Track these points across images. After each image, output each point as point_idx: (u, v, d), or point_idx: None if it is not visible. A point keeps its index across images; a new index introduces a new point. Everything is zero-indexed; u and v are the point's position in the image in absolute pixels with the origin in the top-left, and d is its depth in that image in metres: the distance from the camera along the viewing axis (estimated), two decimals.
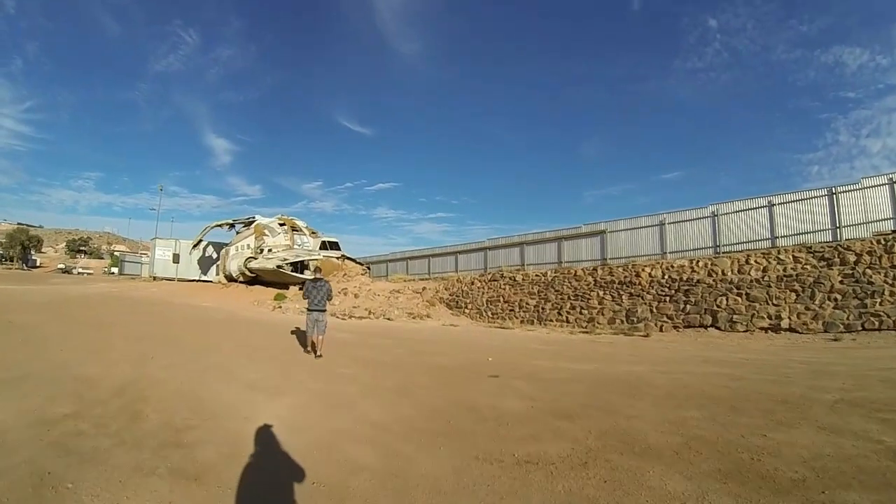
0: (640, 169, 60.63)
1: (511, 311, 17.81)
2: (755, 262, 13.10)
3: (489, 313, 18.40)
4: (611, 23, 51.18)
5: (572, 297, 16.30)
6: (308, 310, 8.32)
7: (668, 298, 13.86)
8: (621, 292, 15.09)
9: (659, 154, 56.70)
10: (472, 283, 20.67)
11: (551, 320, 16.16)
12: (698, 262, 14.25)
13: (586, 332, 13.75)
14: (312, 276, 8.73)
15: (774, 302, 11.80)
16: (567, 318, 15.85)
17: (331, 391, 5.86)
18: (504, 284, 19.14)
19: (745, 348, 9.75)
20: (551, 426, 4.38)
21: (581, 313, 15.60)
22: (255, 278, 25.74)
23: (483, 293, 19.57)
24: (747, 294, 12.32)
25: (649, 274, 14.89)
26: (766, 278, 12.43)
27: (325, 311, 8.30)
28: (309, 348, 8.61)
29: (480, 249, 22.55)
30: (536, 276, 18.48)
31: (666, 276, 14.47)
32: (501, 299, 18.60)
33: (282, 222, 28.10)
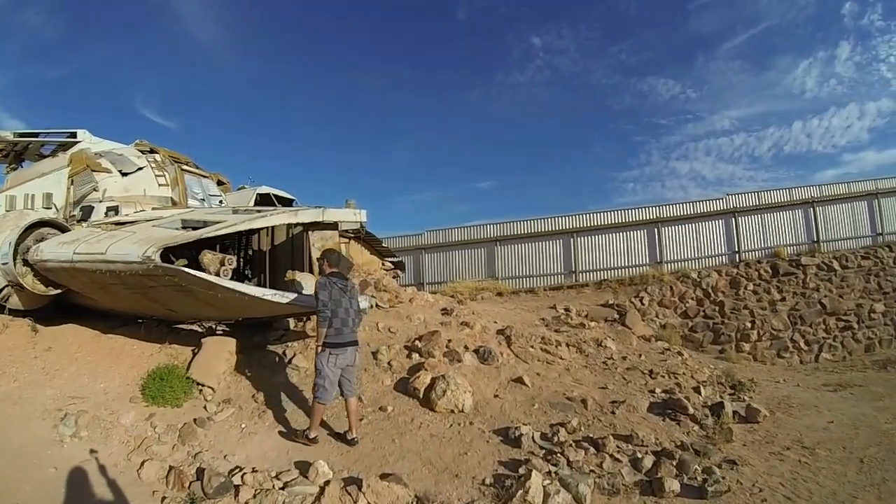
0: (455, 176, 61.77)
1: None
2: None
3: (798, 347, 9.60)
4: (435, 31, 52.22)
5: None
6: (329, 345, 3.84)
7: None
8: None
9: (476, 163, 58.28)
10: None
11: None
12: None
13: None
14: (327, 267, 4.06)
15: None
16: None
17: None
18: (820, 279, 10.40)
19: None
20: None
21: None
22: (62, 295, 5.14)
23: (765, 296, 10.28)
24: None
25: None
26: None
27: (357, 343, 4.19)
28: (313, 432, 3.96)
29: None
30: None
31: None
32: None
33: (148, 149, 6.63)
